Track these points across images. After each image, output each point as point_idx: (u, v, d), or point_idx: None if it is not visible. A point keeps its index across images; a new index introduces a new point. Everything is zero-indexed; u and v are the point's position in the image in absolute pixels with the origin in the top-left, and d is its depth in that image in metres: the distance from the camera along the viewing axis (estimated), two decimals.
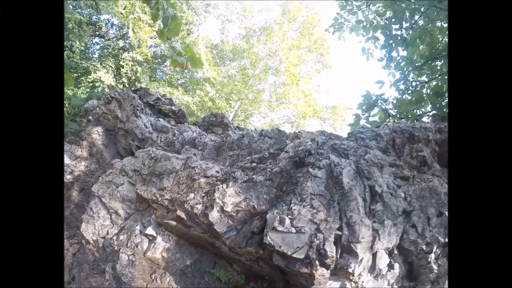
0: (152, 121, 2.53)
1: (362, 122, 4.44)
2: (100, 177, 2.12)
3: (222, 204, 1.55)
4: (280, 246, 1.43)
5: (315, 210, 1.49)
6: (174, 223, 1.66)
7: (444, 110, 3.37)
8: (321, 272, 1.45)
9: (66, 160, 2.42)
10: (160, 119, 2.57)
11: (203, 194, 1.65)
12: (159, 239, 1.72)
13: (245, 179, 1.62)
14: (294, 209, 1.50)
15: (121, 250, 1.72)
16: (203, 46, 14.38)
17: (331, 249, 1.44)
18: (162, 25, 3.49)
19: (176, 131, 2.25)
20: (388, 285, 1.59)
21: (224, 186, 1.59)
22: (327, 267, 1.47)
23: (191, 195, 1.64)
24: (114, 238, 1.89)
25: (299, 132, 1.87)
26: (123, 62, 11.96)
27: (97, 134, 2.58)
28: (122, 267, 1.72)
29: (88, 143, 2.57)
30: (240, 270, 1.67)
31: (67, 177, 2.35)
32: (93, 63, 11.26)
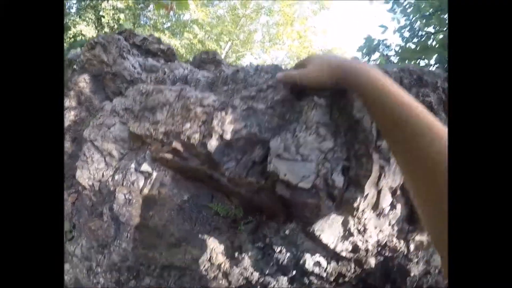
0: (141, 61, 2.38)
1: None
2: (91, 122, 2.02)
3: (221, 132, 1.46)
4: (285, 175, 1.36)
5: (321, 138, 1.41)
6: (170, 156, 1.58)
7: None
8: (327, 204, 1.40)
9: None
10: (149, 58, 2.43)
11: (200, 123, 1.55)
12: (154, 175, 1.65)
13: (244, 107, 1.52)
14: (299, 136, 1.41)
15: (117, 190, 1.67)
16: None
17: (339, 180, 1.38)
18: None
19: (166, 69, 2.11)
20: (389, 225, 1.56)
21: (223, 113, 1.49)
22: (333, 199, 1.41)
23: (187, 125, 1.55)
24: (110, 179, 1.82)
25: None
26: (103, 12, 11.49)
27: (84, 82, 2.44)
28: (119, 206, 1.68)
29: (75, 93, 2.44)
30: (238, 203, 1.63)
31: None
32: (72, 18, 10.82)
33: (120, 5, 11.85)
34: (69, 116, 2.37)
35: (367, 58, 4.70)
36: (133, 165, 1.74)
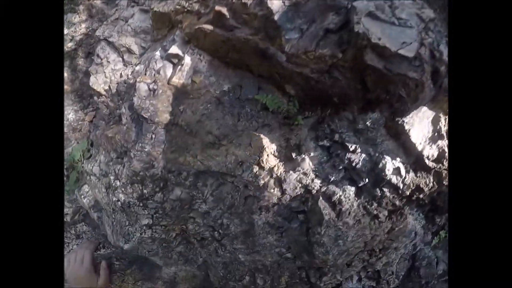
0: None
1: None
2: (104, 22, 1.65)
3: None
4: (379, 39, 1.03)
5: (419, 5, 1.10)
6: (209, 27, 1.21)
7: None
8: (429, 84, 1.11)
9: (64, 31, 1.96)
10: None
11: None
12: (187, 59, 1.28)
13: None
14: None
15: (137, 80, 1.30)
16: None
17: (446, 53, 1.08)
18: None
19: None
20: None
21: None
22: (437, 77, 1.11)
23: None
24: (128, 74, 1.46)
25: None
26: None
27: None
28: (140, 100, 1.33)
29: (85, 6, 2.09)
30: (294, 94, 1.25)
31: (68, 45, 1.91)
32: None
33: None
34: (80, 30, 2.02)
35: None
36: (158, 53, 1.37)
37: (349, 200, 1.28)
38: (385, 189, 1.28)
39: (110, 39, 1.55)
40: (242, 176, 1.27)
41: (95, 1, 2.11)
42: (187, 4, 1.30)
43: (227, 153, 1.27)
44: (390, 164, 1.25)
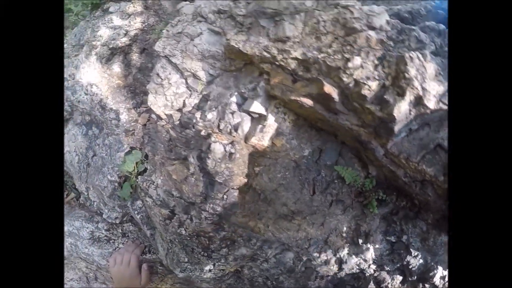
0: None
1: None
2: (165, 31, 1.50)
3: (420, 92, 0.98)
4: None
5: None
6: (309, 102, 1.10)
7: None
8: None
9: (117, 22, 1.84)
10: None
11: (376, 61, 1.05)
12: (270, 119, 1.20)
13: None
14: None
15: (212, 138, 1.23)
16: None
17: None
18: None
19: None
20: None
21: (421, 56, 1.00)
22: None
23: (357, 60, 1.05)
24: (195, 113, 1.36)
25: None
26: None
27: None
28: (215, 162, 1.25)
29: None
30: (374, 174, 1.21)
31: (122, 40, 1.78)
32: None
33: None
34: (135, 24, 1.88)
35: None
36: (234, 99, 1.26)
37: (394, 286, 1.31)
38: (427, 285, 1.31)
39: (173, 59, 1.43)
40: (308, 250, 1.28)
41: None
42: (280, 57, 1.12)
43: (299, 229, 1.26)
44: (440, 273, 1.27)
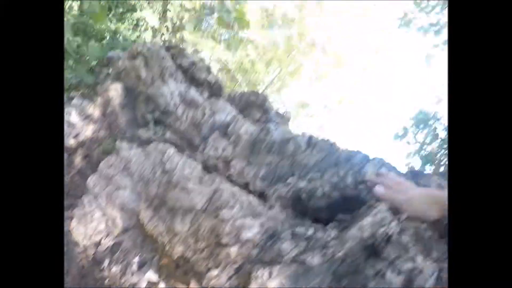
0: (182, 90, 2.08)
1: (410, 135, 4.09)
2: (101, 163, 1.68)
3: None
4: None
5: None
6: None
7: None
8: None
9: (74, 118, 2.03)
10: (191, 89, 2.13)
11: (232, 272, 1.18)
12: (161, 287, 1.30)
13: (294, 253, 1.11)
14: None
15: None
16: (255, 6, 13.89)
17: None
18: None
19: (207, 109, 1.81)
20: None
21: (266, 272, 1.11)
22: None
23: (214, 272, 1.18)
24: (105, 259, 1.47)
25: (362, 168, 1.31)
26: (171, 6, 11.84)
27: (115, 91, 2.16)
28: None
29: (103, 100, 2.17)
30: None
31: (71, 142, 1.96)
32: (141, 2, 11.22)
33: (188, 4, 12.07)
34: (86, 131, 2.07)
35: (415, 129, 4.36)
36: (136, 260, 1.38)
37: None
38: None
39: (99, 200, 1.57)
40: None
41: (113, 99, 2.18)
42: (168, 245, 1.32)
43: None
44: None
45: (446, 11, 5.01)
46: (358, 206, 1.13)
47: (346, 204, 1.18)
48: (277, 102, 17.03)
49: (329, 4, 15.87)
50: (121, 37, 9.88)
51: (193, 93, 2.10)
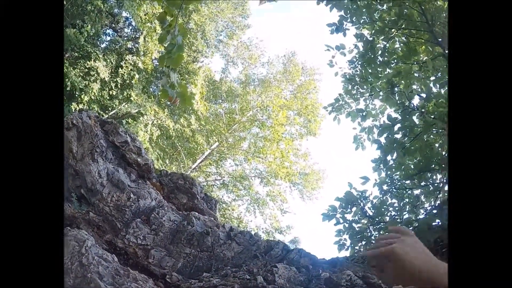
0: (110, 169, 2.10)
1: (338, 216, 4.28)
2: None
3: None
4: None
5: None
6: None
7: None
8: None
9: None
10: (120, 170, 2.15)
11: None
12: None
13: None
14: None
15: None
16: (202, 78, 14.40)
17: None
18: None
19: (132, 194, 1.84)
20: None
21: None
22: None
23: None
24: None
25: (274, 267, 1.41)
26: (125, 63, 11.93)
27: None
28: None
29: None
30: None
31: None
32: (97, 52, 11.20)
33: (141, 65, 12.22)
34: None
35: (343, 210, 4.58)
36: None
37: None
38: None
39: None
40: None
41: None
42: None
43: None
44: None
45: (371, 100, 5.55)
46: None
47: None
48: (215, 175, 17.19)
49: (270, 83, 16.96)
50: (69, 82, 9.73)
51: (121, 174, 2.13)
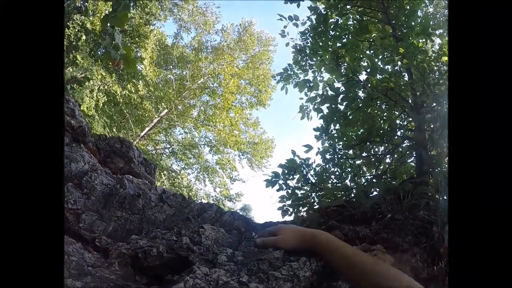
0: None
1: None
2: None
3: None
4: None
5: None
6: None
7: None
8: None
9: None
10: None
11: None
12: None
13: None
14: None
15: None
16: (153, 42, 13.86)
17: None
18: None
19: (64, 158, 1.77)
20: None
21: None
22: None
23: None
24: None
25: (201, 228, 1.42)
26: (72, 23, 11.15)
27: None
28: None
29: None
30: None
31: None
32: None
33: (89, 25, 11.51)
34: None
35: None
36: None
37: None
38: None
39: None
40: None
41: None
42: None
43: None
44: None
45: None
46: (185, 269, 1.22)
47: (177, 265, 1.26)
48: (164, 143, 16.95)
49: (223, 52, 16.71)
50: None
51: None
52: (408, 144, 4.42)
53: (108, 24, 3.25)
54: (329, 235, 1.39)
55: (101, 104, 12.79)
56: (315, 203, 4.49)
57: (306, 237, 1.40)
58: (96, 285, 1.08)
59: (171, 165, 16.66)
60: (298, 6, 5.57)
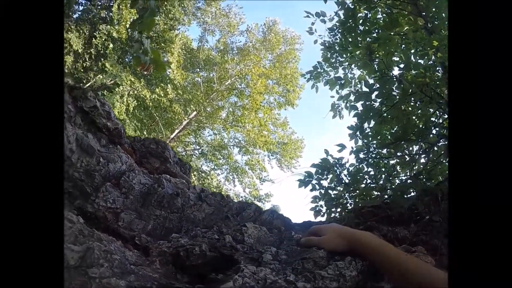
0: (79, 135, 2.03)
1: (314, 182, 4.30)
2: None
3: None
4: None
5: None
6: None
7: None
8: None
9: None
10: (89, 135, 2.08)
11: None
12: None
13: None
14: None
15: None
16: (179, 46, 14.08)
17: None
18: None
19: (102, 158, 1.79)
20: None
21: None
22: None
23: None
24: None
25: (243, 226, 1.40)
26: (98, 33, 11.49)
27: None
28: None
29: None
30: None
31: None
32: (69, 22, 10.76)
33: (115, 34, 11.84)
34: None
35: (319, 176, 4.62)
36: None
37: None
38: None
39: None
40: None
41: None
42: None
43: None
44: None
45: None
46: (230, 267, 1.19)
47: (221, 264, 1.24)
48: (194, 144, 17.16)
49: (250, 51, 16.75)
50: None
51: (91, 139, 2.06)
52: (444, 143, 4.25)
53: (136, 30, 3.30)
54: (372, 236, 1.38)
55: (132, 109, 13.09)
56: (348, 204, 4.40)
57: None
58: (140, 284, 1.07)
59: (201, 166, 16.84)
60: (325, 1, 5.47)
